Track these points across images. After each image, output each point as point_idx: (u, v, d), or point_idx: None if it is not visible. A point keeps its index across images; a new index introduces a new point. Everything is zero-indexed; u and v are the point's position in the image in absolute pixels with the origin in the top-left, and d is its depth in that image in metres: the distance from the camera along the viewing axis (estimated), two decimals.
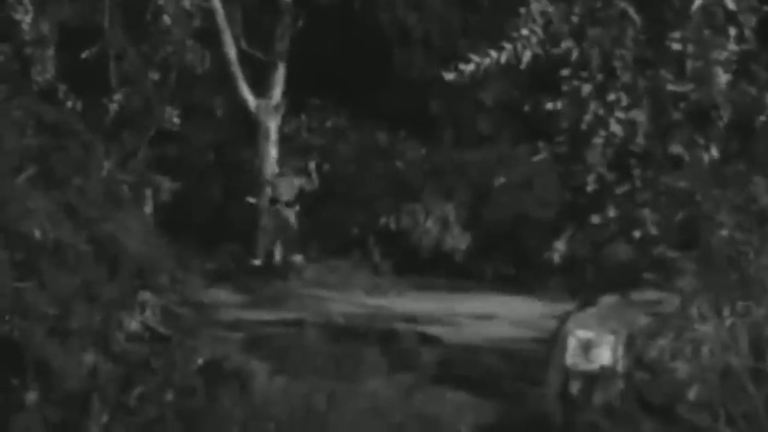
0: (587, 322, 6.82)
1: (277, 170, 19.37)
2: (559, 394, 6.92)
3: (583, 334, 6.78)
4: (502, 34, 8.29)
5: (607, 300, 6.95)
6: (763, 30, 8.68)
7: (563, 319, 7.08)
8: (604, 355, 6.69)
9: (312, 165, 18.97)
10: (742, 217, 8.33)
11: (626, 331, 6.80)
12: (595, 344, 6.71)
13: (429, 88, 20.23)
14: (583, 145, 8.54)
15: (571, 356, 6.76)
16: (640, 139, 8.51)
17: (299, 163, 19.19)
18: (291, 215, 18.74)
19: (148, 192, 18.05)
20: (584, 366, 6.72)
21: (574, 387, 6.74)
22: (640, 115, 8.44)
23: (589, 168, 8.56)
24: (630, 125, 8.40)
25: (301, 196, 18.95)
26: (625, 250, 7.51)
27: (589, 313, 6.93)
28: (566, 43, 8.19)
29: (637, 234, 8.67)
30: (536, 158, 8.88)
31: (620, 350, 6.72)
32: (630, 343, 6.74)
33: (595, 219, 8.66)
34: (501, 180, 10.71)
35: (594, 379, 6.70)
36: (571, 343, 6.79)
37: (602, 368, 6.62)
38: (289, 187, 18.89)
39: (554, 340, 7.06)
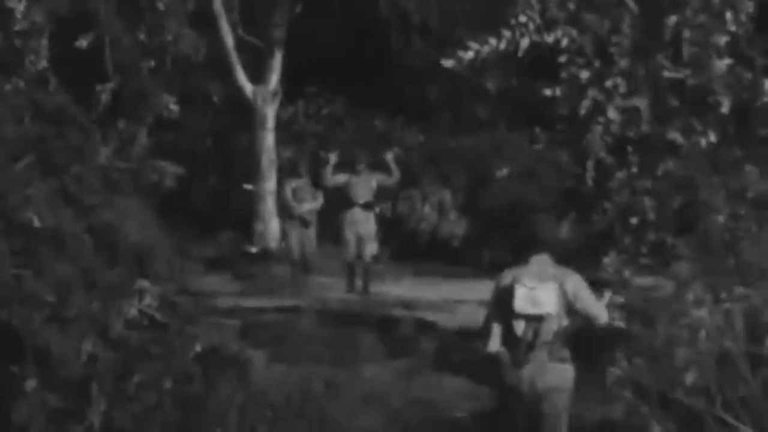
0: (530, 274, 7.54)
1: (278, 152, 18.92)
2: (503, 338, 7.67)
3: (529, 282, 7.47)
4: (499, 21, 8.35)
5: (538, 258, 7.62)
6: (759, 15, 8.70)
7: (502, 276, 7.79)
8: (549, 300, 7.44)
9: (390, 156, 16.11)
10: (738, 202, 8.38)
11: (560, 282, 7.48)
12: (540, 291, 7.44)
13: (427, 75, 20.25)
14: (582, 131, 8.63)
15: (520, 301, 7.44)
16: (640, 126, 8.59)
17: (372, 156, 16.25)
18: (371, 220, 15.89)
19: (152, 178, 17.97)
20: (531, 310, 7.45)
21: (519, 329, 7.51)
22: (639, 102, 8.51)
23: (588, 155, 8.69)
24: (628, 112, 8.48)
25: (381, 194, 16.45)
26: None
27: (527, 268, 7.61)
28: (561, 30, 8.25)
29: (634, 221, 8.75)
30: (537, 146, 9.13)
31: (559, 298, 7.45)
32: (564, 294, 7.44)
33: (606, 206, 8.97)
34: (503, 171, 10.76)
35: (539, 320, 7.45)
36: (520, 291, 7.45)
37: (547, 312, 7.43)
38: (366, 188, 15.79)
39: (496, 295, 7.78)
